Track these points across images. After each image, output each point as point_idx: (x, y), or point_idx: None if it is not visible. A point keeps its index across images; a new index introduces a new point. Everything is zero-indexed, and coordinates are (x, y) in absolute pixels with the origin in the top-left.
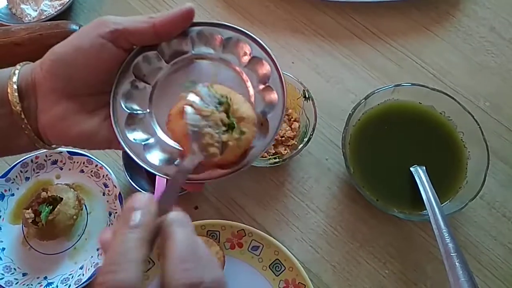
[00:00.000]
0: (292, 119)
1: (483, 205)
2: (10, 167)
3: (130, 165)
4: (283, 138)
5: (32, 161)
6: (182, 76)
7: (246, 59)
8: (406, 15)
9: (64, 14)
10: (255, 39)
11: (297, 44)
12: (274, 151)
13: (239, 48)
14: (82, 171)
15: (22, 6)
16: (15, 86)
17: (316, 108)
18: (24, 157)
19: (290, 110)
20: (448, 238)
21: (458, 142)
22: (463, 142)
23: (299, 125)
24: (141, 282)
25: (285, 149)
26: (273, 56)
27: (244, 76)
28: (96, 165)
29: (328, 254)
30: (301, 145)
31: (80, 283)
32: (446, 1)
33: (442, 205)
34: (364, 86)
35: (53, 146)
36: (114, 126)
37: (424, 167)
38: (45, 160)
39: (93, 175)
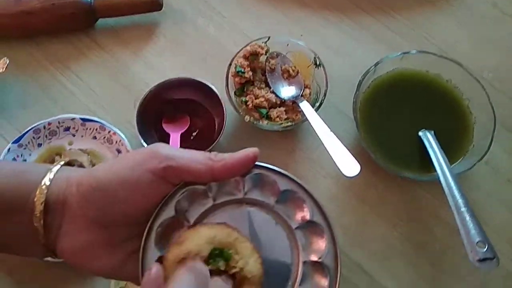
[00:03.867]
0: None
1: (489, 171)
2: (22, 133)
3: (144, 130)
4: (294, 105)
5: (44, 127)
6: (225, 217)
7: (301, 219)
8: None
9: None
10: (317, 201)
11: (305, 18)
12: (286, 117)
13: (296, 205)
14: (94, 137)
15: None
16: (43, 199)
17: (327, 74)
18: (37, 124)
19: (302, 77)
20: (458, 194)
21: (464, 109)
22: (469, 108)
23: (310, 92)
24: None
25: (296, 115)
26: (333, 228)
27: (296, 238)
28: (109, 131)
29: (339, 217)
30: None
31: None
32: None
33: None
34: (372, 58)
35: None
36: (140, 274)
37: (432, 131)
38: (57, 127)
39: (106, 141)
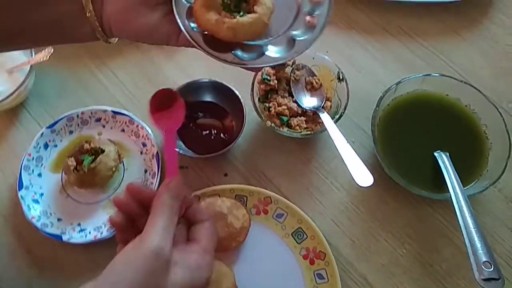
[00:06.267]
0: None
1: (501, 198)
2: (56, 119)
3: None
4: (315, 116)
5: (77, 116)
6: None
7: None
8: (437, 18)
9: None
10: None
11: (332, 36)
12: (305, 126)
13: None
14: (123, 130)
15: None
16: None
17: (348, 88)
18: (71, 112)
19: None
20: (469, 213)
21: (481, 134)
22: (486, 134)
23: (331, 105)
24: None
25: (315, 125)
26: None
27: None
28: (137, 125)
29: (349, 229)
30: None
31: (113, 231)
32: (475, 8)
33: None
34: (393, 78)
35: (112, 39)
36: (176, 15)
37: (448, 153)
38: (89, 117)
39: (133, 134)
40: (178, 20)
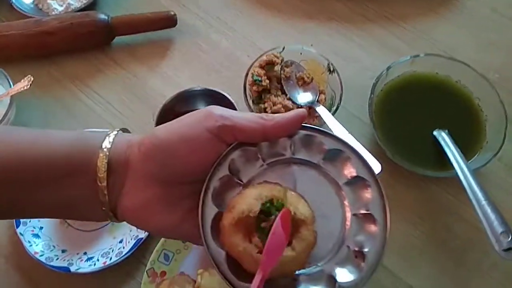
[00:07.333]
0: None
1: (502, 168)
2: None
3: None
4: (311, 110)
5: None
6: (273, 177)
7: (348, 175)
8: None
9: (90, 7)
10: (362, 157)
11: (314, 29)
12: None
13: (342, 163)
14: None
15: (49, 0)
16: (105, 160)
17: (341, 79)
18: None
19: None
20: (478, 188)
21: (475, 107)
22: (480, 107)
23: (325, 97)
24: None
25: (313, 120)
26: (380, 182)
27: (343, 193)
28: None
29: None
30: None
31: (122, 255)
32: None
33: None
34: (381, 65)
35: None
36: (201, 228)
37: (446, 130)
38: None
39: None
40: (203, 239)
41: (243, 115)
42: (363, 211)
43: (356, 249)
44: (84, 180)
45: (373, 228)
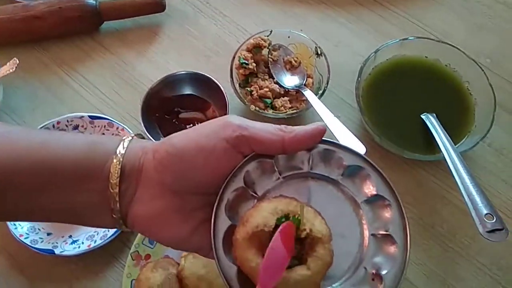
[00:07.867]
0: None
1: (491, 152)
2: None
3: (150, 126)
4: (298, 94)
5: (53, 126)
6: (290, 191)
7: (367, 193)
8: None
9: None
10: (383, 175)
11: (304, 13)
12: (290, 106)
13: (362, 180)
14: (103, 134)
15: None
16: (119, 166)
17: (328, 62)
18: (46, 123)
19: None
20: (464, 170)
21: (465, 91)
22: (469, 90)
23: (313, 81)
24: None
25: (300, 104)
26: (400, 202)
27: (362, 212)
28: (117, 128)
29: None
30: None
31: (106, 238)
32: None
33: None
34: (370, 48)
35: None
36: (212, 241)
37: (434, 114)
38: (66, 125)
39: None
40: (215, 252)
41: (262, 126)
42: (382, 232)
43: (374, 271)
44: (95, 185)
45: (392, 250)
